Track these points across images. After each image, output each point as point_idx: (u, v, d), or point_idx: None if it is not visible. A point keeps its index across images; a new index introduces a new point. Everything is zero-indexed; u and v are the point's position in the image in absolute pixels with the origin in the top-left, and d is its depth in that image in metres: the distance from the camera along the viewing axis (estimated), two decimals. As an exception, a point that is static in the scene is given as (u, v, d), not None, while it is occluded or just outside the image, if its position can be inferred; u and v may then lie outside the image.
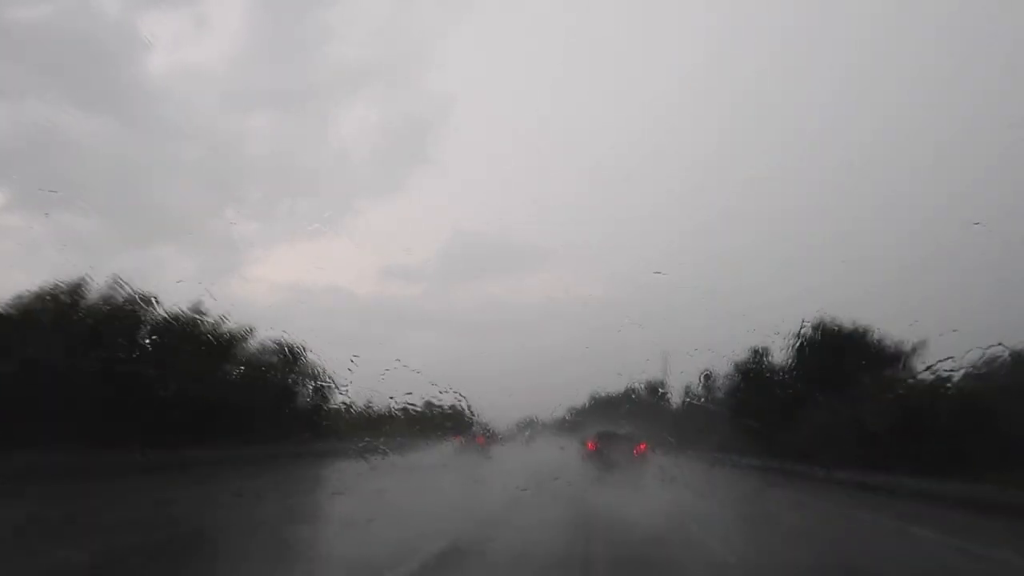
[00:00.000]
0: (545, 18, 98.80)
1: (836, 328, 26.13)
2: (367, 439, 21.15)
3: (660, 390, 31.06)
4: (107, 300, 18.55)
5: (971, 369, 15.90)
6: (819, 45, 79.92)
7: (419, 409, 21.82)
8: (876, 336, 25.95)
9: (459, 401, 20.34)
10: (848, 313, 26.33)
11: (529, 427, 44.90)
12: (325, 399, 24.23)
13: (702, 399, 30.79)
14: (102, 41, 63.33)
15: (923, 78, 70.69)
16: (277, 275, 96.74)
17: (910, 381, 21.85)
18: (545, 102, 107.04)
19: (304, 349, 21.96)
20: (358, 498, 15.18)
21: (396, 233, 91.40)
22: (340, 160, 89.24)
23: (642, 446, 26.16)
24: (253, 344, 22.43)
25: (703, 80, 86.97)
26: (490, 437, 35.63)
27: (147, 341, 19.14)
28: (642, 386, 31.98)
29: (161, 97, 72.21)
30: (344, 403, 22.64)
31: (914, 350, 24.20)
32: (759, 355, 29.11)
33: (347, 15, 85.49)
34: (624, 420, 29.38)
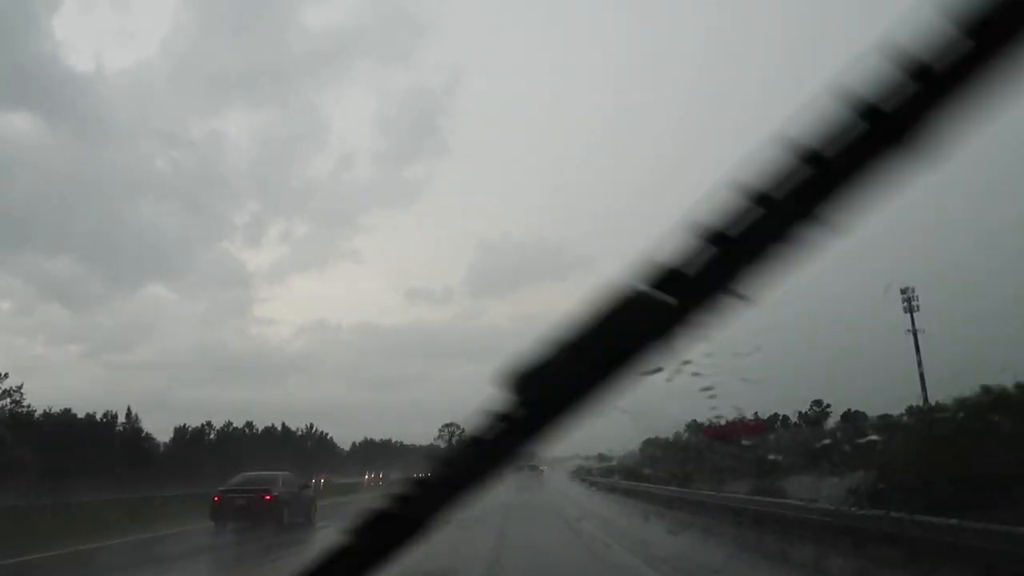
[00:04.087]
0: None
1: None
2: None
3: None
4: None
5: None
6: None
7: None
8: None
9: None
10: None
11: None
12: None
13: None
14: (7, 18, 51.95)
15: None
16: (298, 315, 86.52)
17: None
18: (580, 74, 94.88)
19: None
20: None
21: (416, 248, 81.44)
22: (340, 167, 77.31)
23: None
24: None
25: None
26: None
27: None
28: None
29: (114, 101, 64.80)
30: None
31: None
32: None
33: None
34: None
